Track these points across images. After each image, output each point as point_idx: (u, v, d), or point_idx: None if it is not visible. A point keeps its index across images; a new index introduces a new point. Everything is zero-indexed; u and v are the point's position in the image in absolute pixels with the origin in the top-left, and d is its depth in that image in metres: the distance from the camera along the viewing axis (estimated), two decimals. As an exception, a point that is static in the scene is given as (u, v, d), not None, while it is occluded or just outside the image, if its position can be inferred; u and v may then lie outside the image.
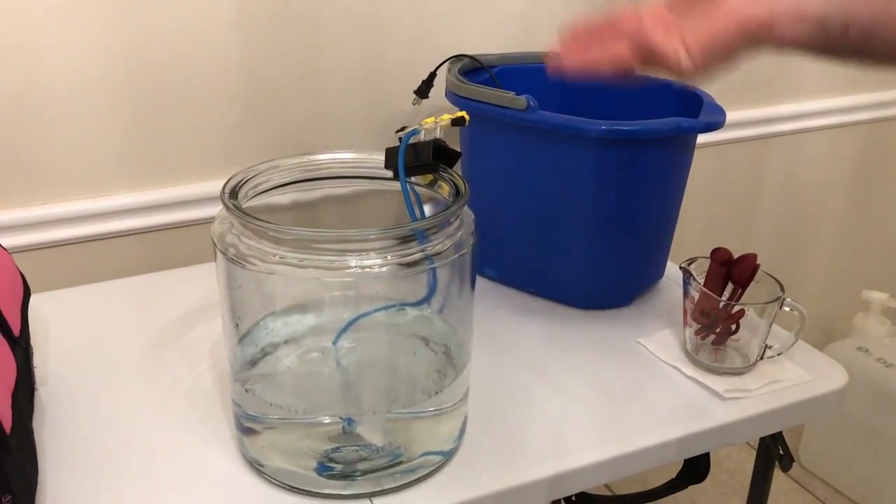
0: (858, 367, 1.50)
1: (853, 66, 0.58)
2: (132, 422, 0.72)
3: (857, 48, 0.56)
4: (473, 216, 0.65)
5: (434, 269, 0.63)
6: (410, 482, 0.64)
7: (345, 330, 0.67)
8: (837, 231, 1.67)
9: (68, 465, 0.66)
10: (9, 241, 0.90)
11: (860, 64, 0.58)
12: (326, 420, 0.64)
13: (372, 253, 0.58)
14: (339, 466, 0.64)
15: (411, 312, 0.69)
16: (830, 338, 1.70)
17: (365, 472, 0.64)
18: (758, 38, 0.56)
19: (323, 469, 0.64)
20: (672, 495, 0.89)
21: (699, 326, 0.80)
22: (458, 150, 0.68)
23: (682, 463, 0.88)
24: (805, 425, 1.65)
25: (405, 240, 0.59)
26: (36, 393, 0.74)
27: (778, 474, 1.60)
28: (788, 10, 0.55)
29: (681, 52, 0.56)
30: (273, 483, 0.64)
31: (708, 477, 0.87)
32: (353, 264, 0.57)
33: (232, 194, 0.62)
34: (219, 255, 0.61)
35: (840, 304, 1.73)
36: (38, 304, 0.84)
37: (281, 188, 0.69)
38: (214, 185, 0.98)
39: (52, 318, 0.86)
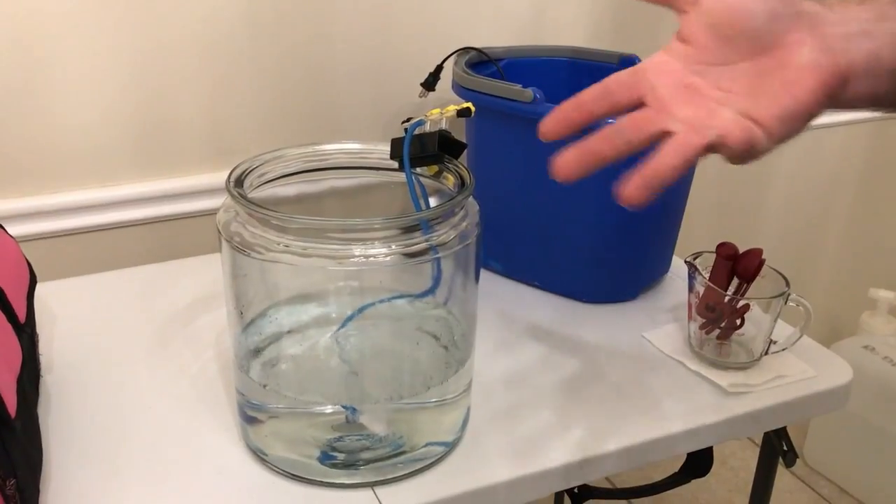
0: (865, 365, 1.49)
1: None
2: (137, 410, 0.72)
3: None
4: (478, 207, 0.65)
5: (438, 260, 0.63)
6: (413, 472, 0.65)
7: (349, 320, 0.67)
8: (845, 229, 1.66)
9: (73, 451, 0.66)
10: (16, 229, 0.90)
11: None
12: (330, 409, 0.64)
13: (376, 242, 0.58)
14: (341, 455, 0.64)
15: (415, 303, 0.69)
16: (837, 336, 1.70)
17: (368, 462, 0.64)
18: (836, 95, 0.43)
19: (326, 458, 0.64)
20: (675, 491, 0.90)
21: (704, 321, 0.80)
22: (464, 142, 0.68)
23: (684, 457, 0.88)
24: (810, 423, 1.65)
25: (410, 229, 0.59)
26: (41, 380, 0.74)
27: (783, 472, 1.60)
28: (864, 59, 0.43)
29: (751, 129, 0.42)
30: (276, 471, 0.65)
31: (712, 474, 0.87)
32: (357, 253, 0.58)
33: (237, 183, 0.62)
34: (224, 243, 0.61)
35: (847, 302, 1.72)
36: (45, 292, 0.84)
37: (286, 178, 0.69)
38: (221, 176, 0.99)
39: (58, 306, 0.86)
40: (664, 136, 0.45)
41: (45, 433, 0.67)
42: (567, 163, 0.46)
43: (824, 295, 1.71)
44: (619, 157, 0.46)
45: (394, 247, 0.58)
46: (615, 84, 0.47)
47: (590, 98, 0.47)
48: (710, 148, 0.43)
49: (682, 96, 0.45)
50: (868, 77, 0.43)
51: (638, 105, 0.46)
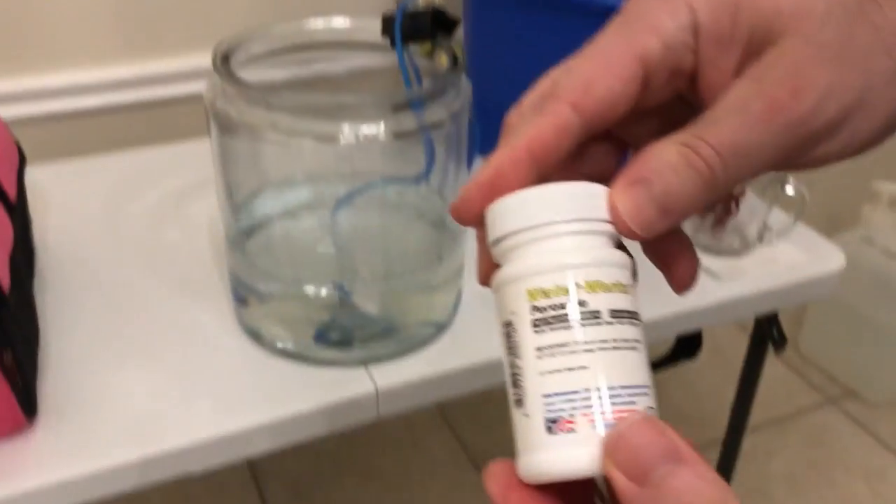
0: (862, 257, 1.50)
1: None
2: (132, 291, 0.72)
3: None
4: (471, 87, 0.64)
5: (431, 141, 0.62)
6: (404, 350, 0.66)
7: (341, 203, 0.67)
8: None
9: (69, 329, 0.67)
10: (2, 111, 0.89)
11: None
12: (322, 289, 0.65)
13: (367, 121, 0.57)
14: (335, 335, 0.65)
15: (407, 187, 0.68)
16: (837, 228, 1.70)
17: (361, 341, 0.65)
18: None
19: (319, 337, 0.65)
20: (668, 376, 0.91)
21: (699, 207, 0.80)
22: (459, 18, 0.66)
23: (674, 341, 0.89)
24: (805, 314, 1.66)
25: (401, 108, 0.58)
26: (35, 259, 0.74)
27: (775, 363, 1.62)
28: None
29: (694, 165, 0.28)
30: (271, 351, 0.66)
31: (706, 362, 0.89)
32: (346, 132, 0.57)
33: (223, 59, 0.60)
34: (211, 122, 0.60)
35: (848, 195, 1.71)
36: (36, 175, 0.84)
37: (274, 58, 0.67)
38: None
39: (50, 190, 0.86)
40: None
41: (40, 311, 0.68)
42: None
43: (826, 187, 1.69)
44: None
45: (384, 125, 0.57)
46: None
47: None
48: None
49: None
50: None
51: None
